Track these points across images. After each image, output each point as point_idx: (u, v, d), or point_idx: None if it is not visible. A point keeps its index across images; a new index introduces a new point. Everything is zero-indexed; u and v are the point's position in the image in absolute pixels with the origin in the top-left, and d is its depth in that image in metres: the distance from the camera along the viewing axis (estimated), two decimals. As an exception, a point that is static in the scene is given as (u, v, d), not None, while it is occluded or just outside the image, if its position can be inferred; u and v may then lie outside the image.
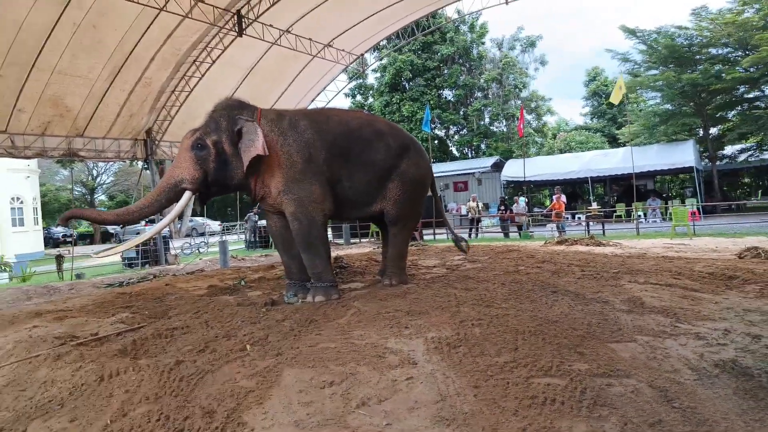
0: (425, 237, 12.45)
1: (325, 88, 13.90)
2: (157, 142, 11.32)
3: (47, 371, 2.88)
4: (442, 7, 13.07)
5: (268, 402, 2.33)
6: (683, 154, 15.78)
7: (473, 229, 13.89)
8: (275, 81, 12.40)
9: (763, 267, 4.93)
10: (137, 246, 11.20)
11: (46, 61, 8.36)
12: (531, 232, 13.24)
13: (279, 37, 10.72)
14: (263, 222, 14.56)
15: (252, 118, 4.26)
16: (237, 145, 4.23)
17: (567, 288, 4.19)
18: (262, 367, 2.73)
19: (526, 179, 16.58)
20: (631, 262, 5.78)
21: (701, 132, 18.30)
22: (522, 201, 15.48)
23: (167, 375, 2.69)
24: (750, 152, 19.55)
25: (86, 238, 27.71)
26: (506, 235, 13.16)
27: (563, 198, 12.99)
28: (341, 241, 13.13)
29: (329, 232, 6.86)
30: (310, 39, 11.43)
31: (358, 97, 26.33)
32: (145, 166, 11.72)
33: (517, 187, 20.22)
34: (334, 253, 6.25)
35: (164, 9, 8.30)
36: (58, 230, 26.91)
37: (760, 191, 23.25)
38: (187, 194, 4.24)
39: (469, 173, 20.38)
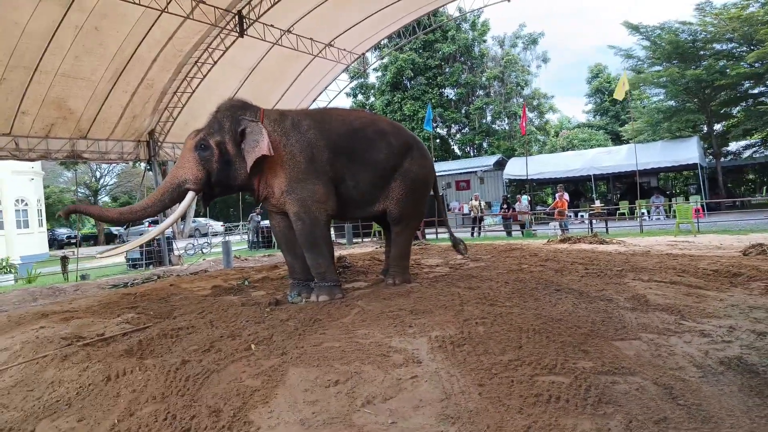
0: (427, 236, 12.45)
1: (326, 87, 13.90)
2: (159, 143, 11.36)
3: (54, 371, 2.91)
4: (444, 5, 13.04)
5: (273, 401, 2.34)
6: (687, 151, 15.70)
7: (476, 228, 13.88)
8: (276, 81, 12.41)
9: (768, 264, 4.91)
10: (141, 247, 11.27)
11: (49, 63, 8.40)
12: (534, 230, 13.22)
13: (280, 37, 10.73)
14: (266, 222, 14.61)
15: (255, 119, 4.27)
16: (240, 146, 4.24)
17: (570, 286, 4.19)
18: (268, 366, 2.74)
19: (529, 177, 16.55)
20: (635, 259, 5.77)
21: (705, 128, 18.21)
22: (525, 199, 15.46)
23: (173, 375, 2.70)
24: (755, 148, 19.45)
25: (90, 240, 27.86)
26: (509, 233, 13.15)
27: (566, 196, 12.96)
28: (344, 240, 13.15)
29: (331, 231, 6.86)
30: (311, 39, 11.44)
31: (360, 97, 26.34)
32: (148, 167, 11.77)
33: (519, 185, 20.19)
34: (337, 253, 6.27)
35: (166, 10, 8.33)
36: (63, 232, 27.08)
37: (764, 188, 23.12)
38: (190, 195, 4.26)
39: (471, 172, 20.37)
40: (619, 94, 13.56)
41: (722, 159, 18.71)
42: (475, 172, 20.14)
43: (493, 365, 2.50)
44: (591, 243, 8.19)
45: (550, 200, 22.92)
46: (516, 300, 3.76)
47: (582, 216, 15.71)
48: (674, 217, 11.22)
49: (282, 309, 4.17)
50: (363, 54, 13.69)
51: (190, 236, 18.37)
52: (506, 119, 25.02)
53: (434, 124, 23.09)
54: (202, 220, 24.73)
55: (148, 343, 3.37)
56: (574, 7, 59.36)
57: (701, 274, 4.60)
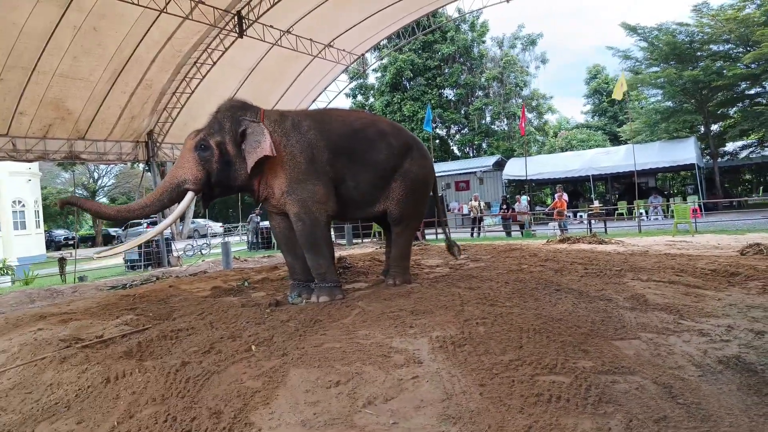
0: (427, 237, 12.45)
1: (326, 88, 13.90)
2: (158, 144, 11.34)
3: (53, 374, 2.90)
4: (443, 6, 13.06)
5: (274, 402, 2.34)
6: (684, 152, 15.76)
7: (475, 228, 13.90)
8: (276, 82, 12.40)
9: (766, 263, 4.93)
10: (139, 248, 11.25)
11: (47, 64, 8.38)
12: (533, 230, 13.24)
13: (279, 38, 10.73)
14: (265, 223, 14.59)
15: (256, 119, 4.27)
16: (240, 147, 4.24)
17: (570, 286, 4.20)
18: (268, 367, 2.74)
19: (528, 178, 16.57)
20: (634, 259, 5.78)
21: (702, 129, 18.28)
22: (524, 200, 15.48)
23: (173, 376, 2.70)
24: (751, 149, 19.55)
25: (88, 241, 27.79)
26: (508, 233, 13.17)
27: (565, 196, 12.98)
28: (343, 241, 13.15)
29: (331, 232, 6.86)
30: (310, 39, 11.44)
31: (359, 97, 26.35)
32: (147, 168, 11.74)
33: (518, 185, 20.23)
34: (337, 254, 6.27)
35: (164, 11, 8.31)
36: (60, 233, 27.00)
37: (761, 188, 23.22)
38: (189, 195, 4.25)
39: (470, 172, 20.40)
40: (617, 95, 13.61)
41: (719, 159, 18.79)
42: (475, 172, 20.17)
43: (494, 365, 2.50)
44: (590, 243, 8.20)
45: (549, 200, 22.96)
46: (516, 300, 3.76)
47: (581, 216, 15.74)
48: (672, 217, 11.25)
49: (282, 310, 4.16)
50: (362, 55, 13.70)
51: (189, 237, 18.36)
52: (505, 120, 25.06)
53: (434, 125, 23.13)
54: (201, 221, 24.70)
55: (148, 344, 3.36)
56: (574, 7, 59.57)
57: (699, 274, 4.62)
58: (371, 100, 26.00)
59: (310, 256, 4.41)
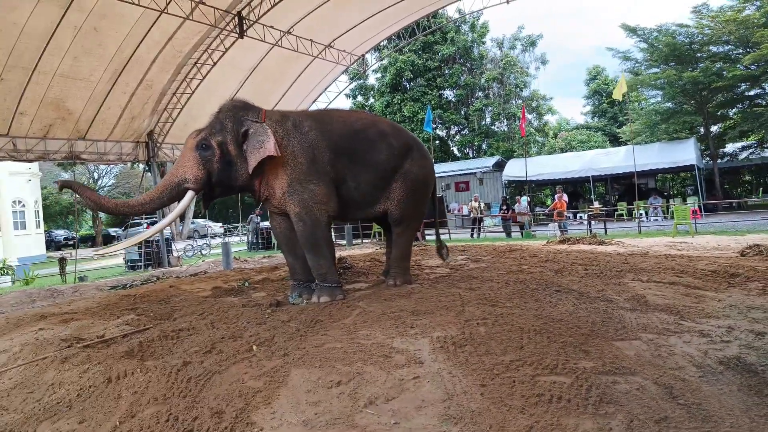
0: (427, 237, 12.45)
1: (326, 88, 13.91)
2: (158, 144, 11.34)
3: (55, 373, 2.90)
4: (443, 7, 13.07)
5: (276, 402, 2.35)
6: (684, 153, 15.78)
7: (475, 229, 13.90)
8: (276, 82, 12.41)
9: (766, 264, 4.94)
10: (139, 248, 11.26)
11: (48, 64, 8.39)
12: (533, 231, 13.25)
13: (280, 39, 10.74)
14: (265, 223, 14.59)
15: (258, 120, 4.28)
16: (242, 147, 4.24)
17: (571, 287, 4.20)
18: (270, 367, 2.74)
19: (528, 179, 16.58)
20: (634, 260, 5.79)
21: (702, 130, 18.31)
22: (524, 200, 15.49)
23: (175, 376, 2.70)
24: (751, 150, 19.56)
25: (88, 241, 27.75)
26: (508, 234, 13.17)
27: (565, 197, 12.99)
28: (343, 242, 13.15)
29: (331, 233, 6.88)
30: (311, 40, 11.45)
31: (359, 98, 26.36)
32: (147, 168, 11.75)
33: (518, 186, 20.23)
34: (337, 254, 6.27)
35: (165, 11, 8.32)
36: (60, 233, 27.00)
37: (761, 189, 23.24)
38: (189, 194, 4.25)
39: (470, 173, 20.41)
40: (617, 95, 13.65)
41: (719, 160, 18.80)
42: (475, 173, 20.17)
43: (495, 365, 2.51)
44: (590, 244, 8.21)
45: (549, 201, 22.98)
46: (517, 301, 3.77)
47: (581, 217, 15.75)
48: (672, 218, 11.26)
49: (283, 310, 4.17)
50: (363, 55, 13.71)
51: (189, 237, 18.37)
52: (505, 121, 25.09)
53: (434, 126, 23.14)
54: (200, 221, 24.70)
55: (149, 344, 3.37)
56: (574, 7, 59.67)
57: (699, 275, 4.63)
58: (371, 100, 26.02)
59: (310, 256, 4.41)
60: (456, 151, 26.74)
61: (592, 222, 12.95)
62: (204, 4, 8.87)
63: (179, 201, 4.28)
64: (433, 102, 23.53)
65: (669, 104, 18.49)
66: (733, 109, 18.02)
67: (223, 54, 10.27)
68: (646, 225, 13.03)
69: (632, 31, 17.76)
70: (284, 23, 10.61)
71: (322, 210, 4.32)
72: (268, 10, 9.67)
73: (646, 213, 15.08)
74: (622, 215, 15.63)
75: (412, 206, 4.82)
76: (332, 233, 11.33)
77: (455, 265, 6.14)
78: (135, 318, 4.17)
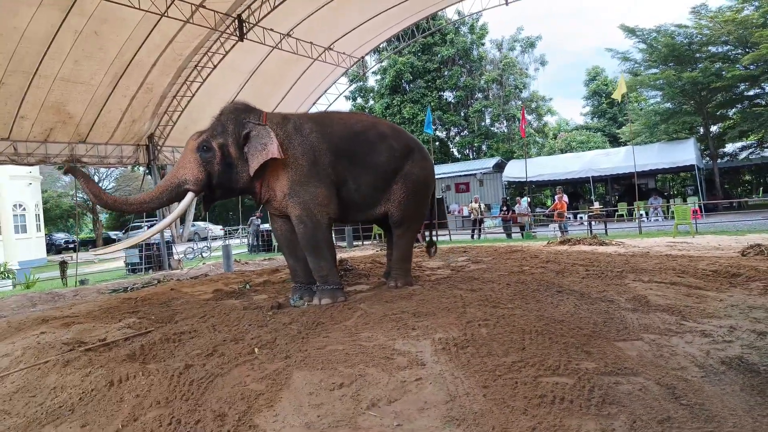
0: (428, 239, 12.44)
1: (326, 91, 13.93)
2: (159, 148, 11.36)
3: (57, 377, 2.90)
4: (443, 9, 13.10)
5: (278, 404, 2.35)
6: (684, 153, 15.78)
7: (476, 230, 13.90)
8: (276, 85, 12.44)
9: (767, 264, 4.94)
10: (140, 251, 11.27)
11: (49, 68, 8.40)
12: (534, 232, 13.25)
13: (280, 41, 10.76)
14: (266, 226, 14.60)
15: (259, 122, 4.29)
16: (243, 149, 4.25)
17: (572, 287, 4.20)
18: (272, 370, 2.74)
19: (528, 180, 16.59)
20: (635, 260, 5.79)
21: (702, 130, 18.32)
22: (524, 201, 15.50)
23: (177, 379, 2.70)
24: (751, 150, 19.58)
25: (88, 244, 27.75)
26: (509, 235, 13.17)
27: (565, 198, 13.00)
28: (344, 243, 13.15)
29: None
30: (310, 42, 11.47)
31: (359, 100, 26.40)
32: (147, 171, 11.76)
33: (518, 187, 20.24)
34: (338, 256, 6.28)
35: (165, 15, 8.35)
36: (60, 236, 27.01)
37: (761, 188, 23.24)
38: (189, 195, 4.26)
39: (470, 174, 20.41)
40: (617, 96, 13.67)
41: (719, 160, 18.81)
42: (475, 174, 20.18)
43: (497, 367, 2.51)
44: (591, 244, 8.21)
45: (549, 202, 22.98)
46: (518, 302, 3.77)
47: (581, 218, 15.75)
48: (672, 218, 11.26)
49: (285, 312, 4.17)
50: (362, 57, 13.73)
51: (190, 240, 18.37)
52: (505, 122, 25.12)
53: (433, 127, 23.16)
54: (201, 223, 24.70)
55: (151, 347, 3.37)
56: (574, 7, 59.78)
57: (701, 275, 4.63)
58: (371, 102, 26.06)
59: (311, 258, 4.42)
60: (456, 153, 26.76)
61: (593, 223, 12.95)
62: (204, 7, 8.90)
63: (179, 202, 4.28)
64: (432, 103, 23.56)
65: (668, 104, 18.51)
66: (733, 109, 18.03)
67: (224, 57, 10.29)
68: (647, 225, 13.03)
69: (631, 31, 17.79)
70: (284, 26, 10.63)
71: (323, 212, 4.33)
72: (268, 13, 9.69)
73: (647, 213, 15.08)
74: (622, 216, 15.63)
75: (412, 208, 4.82)
76: (333, 235, 11.32)
77: (456, 267, 6.14)
78: (136, 321, 4.17)
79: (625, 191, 18.94)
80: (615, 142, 24.95)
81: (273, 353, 3.06)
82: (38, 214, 20.28)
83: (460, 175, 20.70)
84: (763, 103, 16.52)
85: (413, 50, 23.93)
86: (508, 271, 5.33)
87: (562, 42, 60.72)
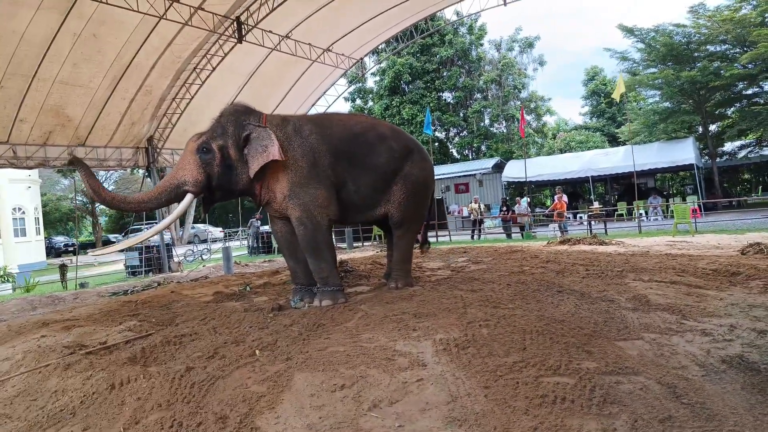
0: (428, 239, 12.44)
1: (325, 92, 13.94)
2: (158, 150, 11.36)
3: (58, 380, 2.90)
4: (441, 9, 13.13)
5: (280, 406, 2.35)
6: (683, 152, 15.80)
7: (476, 231, 13.90)
8: (275, 86, 12.44)
9: (766, 263, 4.95)
10: (140, 254, 11.26)
11: (48, 71, 8.41)
12: (533, 232, 13.25)
13: (278, 43, 10.78)
14: (266, 227, 14.59)
15: (260, 124, 4.29)
16: (243, 151, 4.25)
17: (572, 287, 4.21)
18: (273, 371, 2.74)
19: (528, 180, 16.60)
20: (635, 260, 5.79)
21: (701, 129, 18.34)
22: (524, 202, 15.51)
23: (178, 382, 2.70)
24: (750, 148, 19.58)
25: (88, 248, 27.74)
26: (509, 236, 13.17)
27: (564, 198, 13.01)
28: (344, 245, 13.15)
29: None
30: (309, 44, 11.49)
31: (358, 101, 26.42)
32: (147, 173, 11.76)
33: (518, 187, 20.25)
34: (338, 258, 6.28)
35: (164, 17, 8.35)
36: (60, 240, 26.99)
37: (760, 187, 23.27)
38: (188, 197, 4.26)
39: (470, 175, 20.42)
40: (616, 96, 13.69)
41: (718, 159, 18.82)
42: (474, 175, 20.19)
43: (498, 367, 2.51)
44: (591, 244, 8.21)
45: (548, 202, 22.99)
46: (519, 302, 3.77)
47: (581, 217, 15.76)
48: (672, 217, 11.27)
49: (285, 314, 4.17)
50: (361, 59, 13.75)
51: (189, 242, 18.36)
52: (504, 122, 25.15)
53: (433, 128, 23.19)
54: (201, 226, 24.69)
55: (152, 350, 3.37)
56: (573, 7, 59.87)
57: (701, 274, 4.63)
58: (370, 103, 26.08)
59: (312, 260, 4.42)
60: (455, 153, 26.79)
61: (593, 222, 12.96)
62: (203, 9, 8.91)
63: (178, 203, 4.28)
64: (431, 104, 23.59)
65: (667, 104, 18.54)
66: (731, 108, 18.06)
67: (222, 59, 10.30)
68: (646, 225, 13.04)
69: (629, 31, 17.82)
70: (283, 27, 10.65)
71: (323, 214, 4.33)
72: (267, 15, 9.71)
73: (646, 213, 15.09)
74: (622, 215, 15.64)
75: (412, 209, 4.82)
76: (333, 236, 11.32)
77: (456, 267, 6.14)
78: (137, 324, 4.17)
79: (624, 191, 18.96)
80: (614, 141, 24.97)
81: (274, 355, 3.06)
82: (38, 218, 20.28)
83: (460, 176, 20.71)
84: (762, 101, 16.54)
85: (412, 51, 23.96)
86: (508, 272, 5.33)
87: (562, 42, 60.84)
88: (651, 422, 1.96)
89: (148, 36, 8.92)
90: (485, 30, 24.95)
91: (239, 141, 4.25)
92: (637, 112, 20.65)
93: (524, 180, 16.39)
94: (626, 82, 15.85)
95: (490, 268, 5.73)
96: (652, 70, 18.10)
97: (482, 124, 25.18)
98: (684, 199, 15.85)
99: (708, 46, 16.86)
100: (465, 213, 16.76)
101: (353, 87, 23.84)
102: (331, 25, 11.22)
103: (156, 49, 9.37)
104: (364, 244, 13.77)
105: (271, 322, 3.92)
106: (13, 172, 16.67)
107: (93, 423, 2.42)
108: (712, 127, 18.73)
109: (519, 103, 24.24)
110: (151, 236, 6.37)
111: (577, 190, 21.06)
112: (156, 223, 13.05)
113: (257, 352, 3.15)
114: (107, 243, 27.24)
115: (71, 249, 23.11)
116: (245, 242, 18.03)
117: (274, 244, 13.71)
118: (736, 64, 15.90)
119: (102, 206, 33.15)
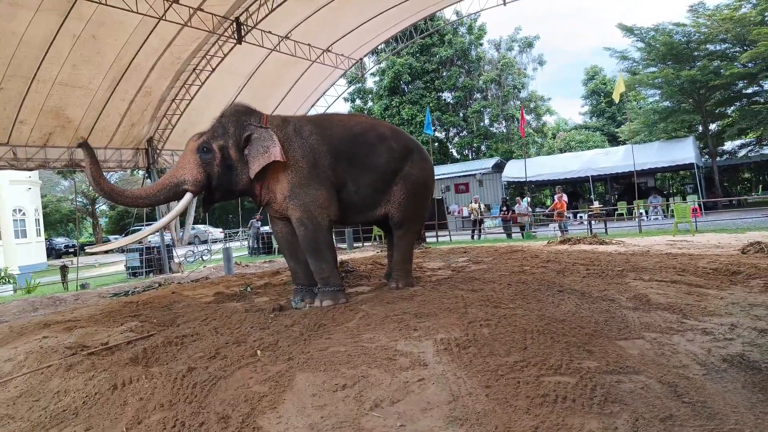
0: (428, 239, 12.46)
1: (324, 92, 13.95)
2: (158, 151, 11.37)
3: (60, 381, 2.91)
4: (441, 9, 13.14)
5: (282, 406, 2.35)
6: (683, 151, 15.81)
7: (476, 231, 13.91)
8: (275, 87, 12.46)
9: (767, 262, 4.95)
10: (140, 254, 11.27)
11: (47, 72, 8.42)
12: (534, 232, 13.26)
13: (278, 44, 10.78)
14: (266, 228, 14.60)
15: (261, 124, 4.30)
16: (243, 151, 4.26)
17: (573, 287, 4.21)
18: (274, 372, 2.75)
19: (528, 179, 16.61)
20: (635, 259, 5.80)
21: (701, 128, 18.35)
22: (524, 201, 15.53)
23: (180, 382, 2.71)
24: (750, 147, 19.61)
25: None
26: (509, 235, 13.18)
27: (564, 197, 13.01)
28: (344, 245, 13.15)
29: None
30: (308, 44, 11.50)
31: (358, 101, 26.44)
32: (147, 174, 11.77)
33: (518, 187, 20.26)
34: (339, 258, 6.28)
35: (163, 18, 8.36)
36: (60, 241, 27.02)
37: (760, 186, 23.28)
38: (187, 196, 4.25)
39: (470, 175, 20.44)
40: (616, 96, 13.69)
41: (718, 158, 18.83)
42: (474, 174, 20.21)
43: (499, 366, 2.51)
44: (591, 244, 8.21)
45: (548, 202, 23.00)
46: (519, 301, 3.77)
47: (581, 217, 15.77)
48: (672, 216, 11.28)
49: (286, 315, 4.17)
50: (361, 59, 13.76)
51: (190, 243, 18.36)
52: (504, 122, 25.16)
53: (433, 128, 23.20)
54: (201, 226, 24.71)
55: (153, 351, 3.37)
56: (573, 7, 59.89)
57: (701, 273, 4.64)
58: (370, 104, 26.09)
59: (312, 260, 4.42)
60: (455, 153, 26.81)
61: (593, 222, 12.97)
62: (202, 10, 8.92)
63: (175, 201, 4.28)
64: (431, 104, 23.60)
65: (667, 103, 18.55)
66: (731, 107, 18.06)
67: (222, 60, 10.31)
68: (647, 224, 13.04)
69: (629, 30, 17.83)
70: (282, 28, 10.66)
71: (324, 214, 4.33)
72: (266, 16, 9.72)
73: (646, 212, 15.10)
74: (622, 215, 15.64)
75: (412, 209, 4.83)
76: (333, 237, 11.31)
77: (457, 267, 6.14)
78: (138, 325, 4.17)
79: (624, 190, 18.97)
80: (614, 141, 24.99)
81: (275, 355, 3.06)
82: (38, 219, 20.29)
83: (460, 176, 20.73)
84: (762, 100, 16.54)
85: (411, 51, 23.97)
86: (508, 271, 5.33)
87: (562, 42, 60.91)
88: (652, 421, 1.97)
89: (148, 37, 8.93)
90: (485, 30, 24.98)
91: (240, 141, 4.25)
92: (637, 112, 20.66)
93: (524, 180, 16.40)
94: (626, 81, 15.86)
95: (490, 268, 5.73)
96: (652, 69, 18.11)
97: (482, 124, 25.20)
98: (684, 199, 15.86)
99: (708, 45, 16.87)
100: (465, 213, 16.77)
101: (353, 87, 23.85)
102: (331, 25, 11.23)
103: (155, 50, 9.38)
104: (365, 244, 13.78)
105: (272, 322, 3.93)
106: (14, 174, 16.70)
107: (95, 423, 2.43)
108: (712, 126, 18.74)
109: (519, 102, 24.26)
110: (149, 234, 6.37)
111: (577, 189, 21.07)
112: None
113: (259, 352, 3.16)
114: (107, 243, 27.29)
115: (72, 250, 23.13)
116: (245, 243, 18.04)
117: (275, 245, 13.71)
118: (736, 63, 15.91)
119: (102, 207, 33.20)
